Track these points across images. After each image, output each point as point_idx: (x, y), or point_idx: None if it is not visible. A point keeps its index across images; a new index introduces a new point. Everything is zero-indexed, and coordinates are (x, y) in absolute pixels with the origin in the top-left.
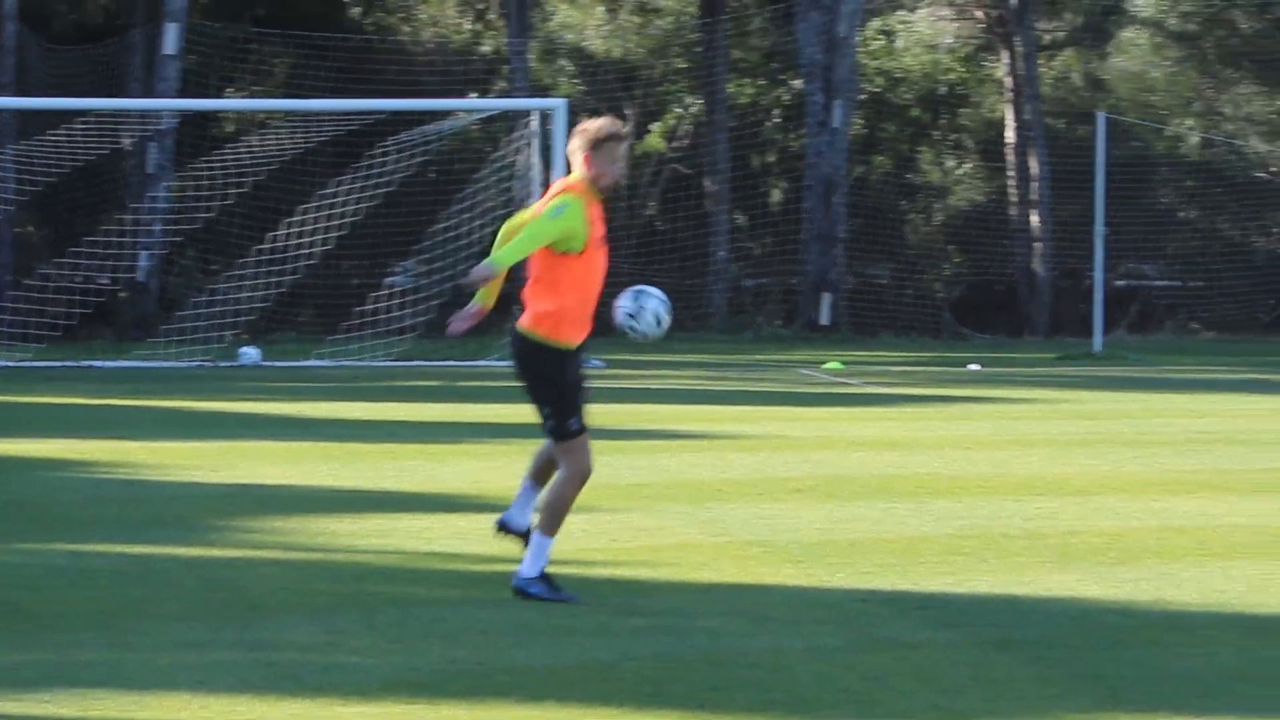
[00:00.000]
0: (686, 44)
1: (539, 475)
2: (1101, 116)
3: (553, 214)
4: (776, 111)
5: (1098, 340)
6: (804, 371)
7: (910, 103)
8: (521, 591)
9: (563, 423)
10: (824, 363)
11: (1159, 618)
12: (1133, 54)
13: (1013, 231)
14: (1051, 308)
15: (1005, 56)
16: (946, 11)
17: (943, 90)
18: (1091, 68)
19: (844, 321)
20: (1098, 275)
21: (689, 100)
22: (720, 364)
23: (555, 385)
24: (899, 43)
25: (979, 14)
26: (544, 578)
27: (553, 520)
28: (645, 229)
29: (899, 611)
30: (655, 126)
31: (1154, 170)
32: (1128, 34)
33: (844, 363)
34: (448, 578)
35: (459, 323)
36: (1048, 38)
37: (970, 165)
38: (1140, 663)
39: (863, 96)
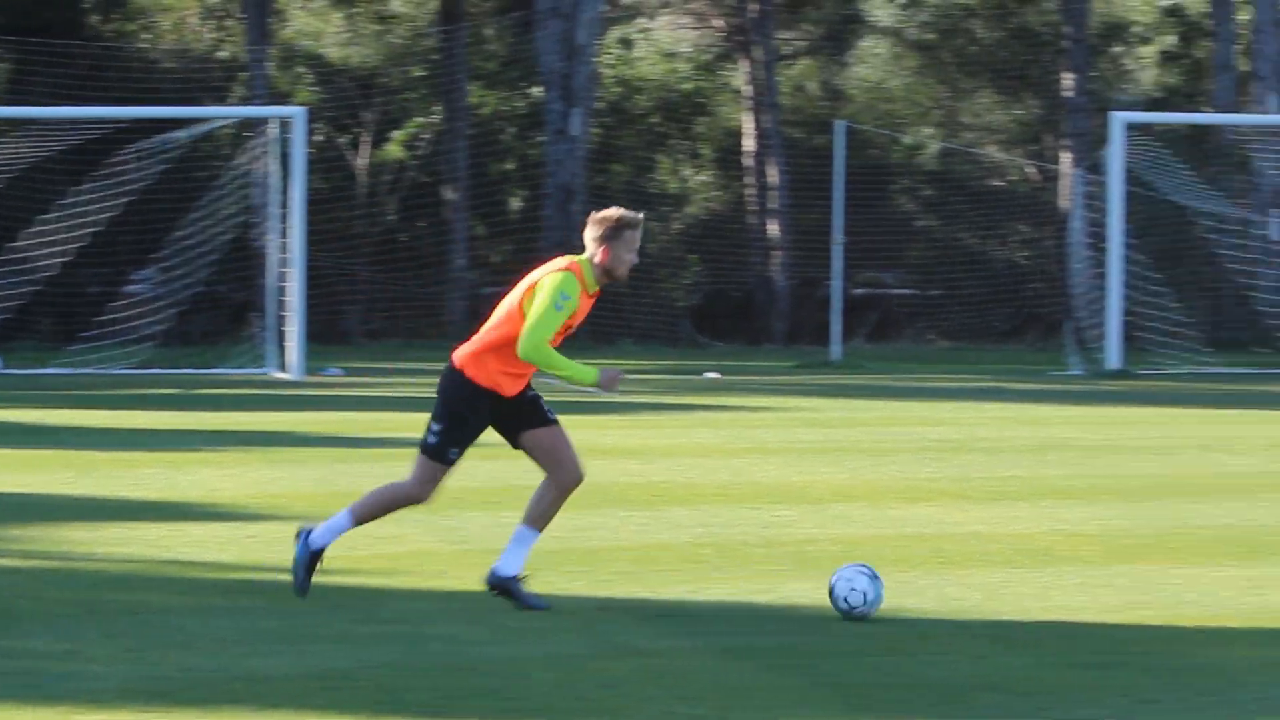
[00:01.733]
0: (425, 52)
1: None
2: (840, 125)
3: (558, 306)
4: (516, 120)
5: (836, 349)
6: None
7: (648, 111)
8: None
9: (443, 447)
10: None
11: (897, 625)
12: (872, 63)
13: (751, 240)
14: (790, 316)
15: (744, 65)
16: (686, 20)
17: (681, 99)
18: (830, 77)
19: (582, 329)
20: (836, 284)
21: (429, 108)
22: None
23: (462, 416)
24: (638, 51)
25: (718, 23)
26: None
27: (364, 512)
28: (384, 238)
29: (637, 619)
30: (395, 135)
31: (893, 179)
32: (867, 43)
33: None
34: (185, 586)
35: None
36: (787, 47)
37: (709, 174)
38: (878, 670)
39: (601, 105)
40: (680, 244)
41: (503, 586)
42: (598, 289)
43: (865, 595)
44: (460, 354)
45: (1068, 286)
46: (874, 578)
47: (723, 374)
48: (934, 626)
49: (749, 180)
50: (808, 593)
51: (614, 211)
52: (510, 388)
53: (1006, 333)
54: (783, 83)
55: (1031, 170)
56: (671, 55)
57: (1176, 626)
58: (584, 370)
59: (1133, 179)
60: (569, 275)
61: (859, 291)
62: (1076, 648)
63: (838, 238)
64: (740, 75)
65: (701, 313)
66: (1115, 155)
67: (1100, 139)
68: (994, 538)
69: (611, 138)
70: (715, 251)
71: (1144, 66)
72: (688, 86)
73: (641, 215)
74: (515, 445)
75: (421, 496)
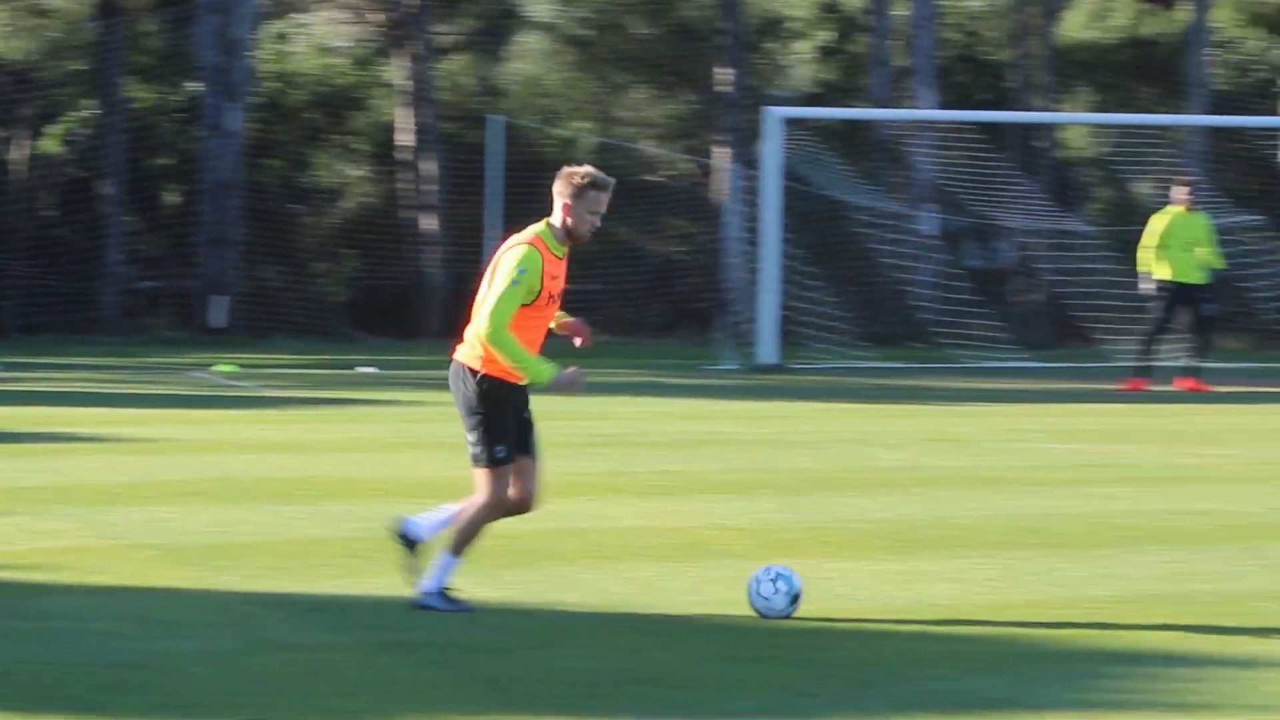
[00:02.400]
0: (83, 46)
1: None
2: (496, 120)
3: (516, 280)
4: (173, 115)
5: None
6: (196, 374)
7: (305, 106)
8: (422, 606)
9: (489, 452)
10: (217, 365)
11: (551, 619)
12: (528, 58)
13: (406, 235)
14: (445, 310)
15: (401, 60)
16: (343, 15)
17: (337, 93)
18: (487, 72)
19: (238, 324)
20: None
21: (85, 103)
22: (113, 367)
23: (488, 415)
24: (295, 46)
25: (375, 17)
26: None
27: (461, 542)
28: (40, 233)
29: (291, 614)
30: (52, 129)
31: (549, 174)
32: (523, 38)
33: (238, 365)
34: None
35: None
36: (444, 41)
37: (365, 168)
38: (531, 664)
39: (258, 100)
40: (336, 238)
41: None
42: (565, 252)
43: (777, 585)
44: (461, 351)
45: (723, 281)
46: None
47: (378, 368)
48: (588, 620)
49: (405, 175)
50: (463, 587)
51: (584, 169)
52: (510, 370)
53: (663, 327)
54: (439, 77)
55: (688, 165)
56: (328, 50)
57: (831, 620)
58: (540, 368)
59: (788, 174)
60: (527, 249)
61: None
62: (731, 642)
63: (493, 233)
64: (396, 70)
65: (357, 307)
66: (771, 150)
67: (756, 134)
68: (650, 531)
69: (269, 132)
70: (371, 246)
71: (800, 62)
72: (344, 81)
73: (612, 180)
74: None
75: (498, 504)
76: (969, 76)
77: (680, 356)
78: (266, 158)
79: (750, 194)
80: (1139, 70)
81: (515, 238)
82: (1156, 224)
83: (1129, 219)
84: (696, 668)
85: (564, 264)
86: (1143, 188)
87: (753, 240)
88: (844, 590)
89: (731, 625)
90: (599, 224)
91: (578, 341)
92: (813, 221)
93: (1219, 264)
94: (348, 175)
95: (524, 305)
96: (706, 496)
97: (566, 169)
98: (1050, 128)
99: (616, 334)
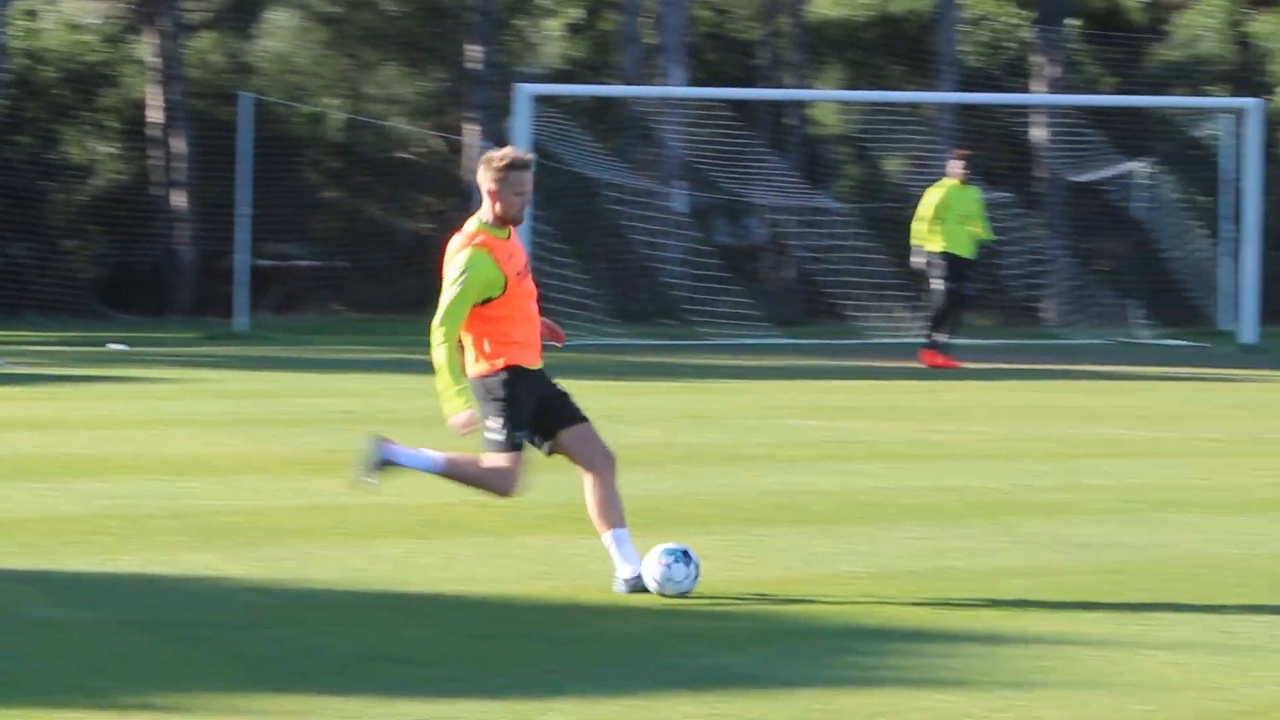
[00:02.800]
0: None
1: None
2: (246, 97)
3: (460, 283)
4: None
5: (242, 320)
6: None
7: (54, 83)
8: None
9: (508, 437)
10: None
11: (300, 596)
12: (278, 35)
13: (157, 212)
14: (196, 288)
15: (151, 37)
16: None
17: (87, 70)
18: (236, 49)
19: None
20: (241, 256)
21: None
22: None
23: (504, 400)
24: (44, 23)
25: None
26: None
27: (454, 478)
28: None
29: (40, 591)
30: None
31: (299, 151)
32: (273, 15)
33: None
34: None
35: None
36: (193, 18)
37: (114, 145)
38: (280, 641)
39: (8, 77)
40: (86, 215)
41: (636, 585)
42: (510, 232)
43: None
44: (470, 369)
45: None
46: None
47: (128, 345)
48: (337, 598)
49: (155, 152)
50: (212, 564)
51: (502, 153)
52: (527, 357)
53: (414, 304)
54: (189, 54)
55: (438, 142)
56: (78, 27)
57: (579, 597)
58: (451, 401)
59: (538, 151)
60: (469, 253)
61: (265, 263)
62: (480, 619)
63: (243, 209)
64: (146, 47)
65: (107, 284)
66: (521, 127)
67: (506, 111)
68: (399, 508)
69: (18, 109)
70: (121, 223)
71: (550, 39)
72: (94, 58)
73: (531, 156)
74: (551, 448)
75: (504, 491)
76: (719, 54)
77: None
78: (16, 135)
79: None
80: (889, 47)
81: (457, 238)
82: (931, 197)
83: (879, 196)
84: (446, 645)
85: (514, 240)
86: (892, 164)
87: None
88: (594, 567)
89: (482, 602)
90: (528, 202)
91: (556, 344)
92: (563, 199)
93: (990, 237)
94: (98, 152)
95: (495, 299)
96: None
97: (485, 156)
98: (800, 105)
99: (367, 311)
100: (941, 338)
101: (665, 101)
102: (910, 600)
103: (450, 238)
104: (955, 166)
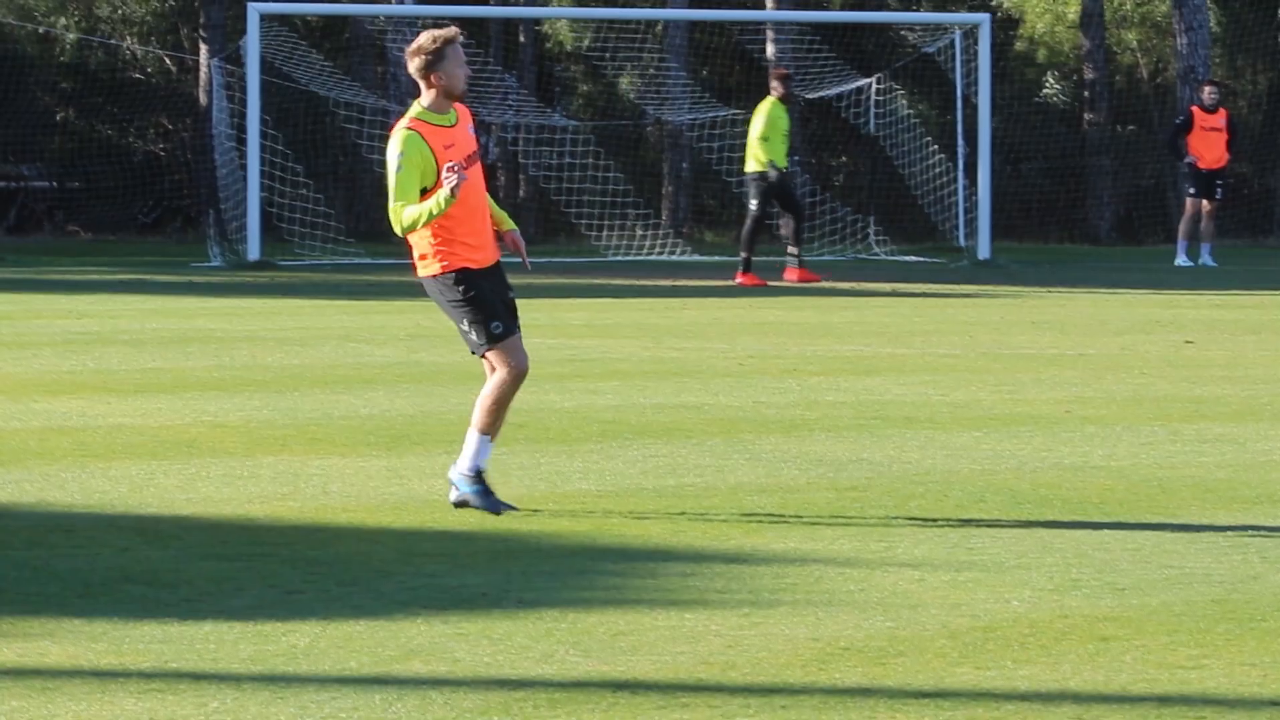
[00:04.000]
0: None
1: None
2: None
3: (399, 167)
4: None
5: None
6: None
7: None
8: (458, 489)
9: (484, 330)
10: None
11: (41, 519)
12: None
13: None
14: None
15: None
16: None
17: None
18: None
19: None
20: None
21: None
22: None
23: (467, 301)
24: None
25: None
26: (479, 476)
27: (487, 419)
28: None
29: None
30: None
31: (30, 72)
32: None
33: None
34: None
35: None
36: None
37: None
38: (23, 564)
39: None
40: None
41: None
42: (456, 119)
43: None
44: (419, 268)
45: (209, 178)
46: None
47: None
48: (77, 520)
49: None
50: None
51: (428, 38)
52: (475, 257)
53: (148, 225)
54: None
55: (168, 62)
56: None
57: (320, 518)
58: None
59: (271, 70)
60: (402, 134)
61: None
62: (221, 539)
63: None
64: None
65: None
66: (252, 46)
67: (237, 30)
68: (138, 430)
69: None
70: None
71: None
72: None
73: (455, 29)
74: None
75: (521, 371)
76: None
77: (167, 255)
78: None
79: (232, 90)
80: None
81: (396, 126)
82: (760, 114)
83: (612, 114)
84: (189, 566)
85: (461, 129)
86: (625, 81)
87: (238, 138)
88: (334, 488)
89: (223, 523)
90: (469, 72)
91: (523, 262)
92: (295, 118)
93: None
94: None
95: (430, 188)
96: (193, 394)
97: (411, 49)
98: (532, 22)
99: (101, 233)
100: (765, 255)
101: (397, 19)
102: (650, 518)
103: (177, 156)
104: (776, 84)
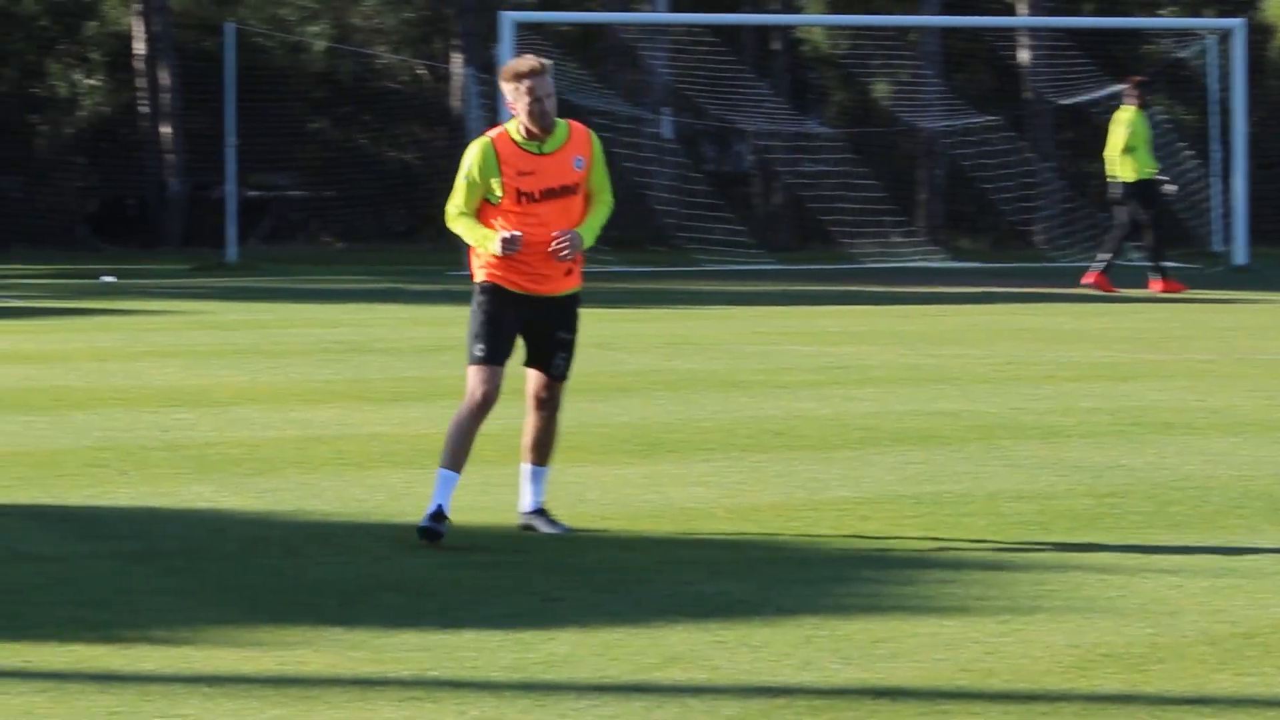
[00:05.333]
0: None
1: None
2: (230, 28)
3: (463, 174)
4: None
5: (231, 251)
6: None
7: (36, 14)
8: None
9: (470, 347)
10: None
11: (298, 527)
12: None
13: (144, 144)
14: (185, 219)
15: None
16: None
17: (69, 1)
18: None
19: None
20: (230, 186)
21: None
22: None
23: (475, 311)
24: None
25: None
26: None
27: (445, 447)
28: None
29: (39, 525)
30: None
31: (284, 82)
32: None
33: None
34: None
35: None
36: None
37: (99, 78)
38: (280, 573)
39: None
40: (73, 148)
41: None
42: (546, 148)
43: None
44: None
45: None
46: None
47: (119, 277)
48: (334, 529)
49: (140, 84)
50: (208, 496)
51: (507, 65)
52: (522, 281)
53: (402, 234)
54: None
55: (422, 71)
56: None
57: (577, 525)
58: (485, 239)
59: None
60: (476, 144)
61: (253, 194)
62: (479, 547)
63: (230, 140)
64: None
65: (97, 217)
66: (506, 55)
67: (491, 39)
68: (395, 438)
69: (0, 42)
70: (109, 155)
71: None
72: None
73: (533, 64)
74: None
75: (475, 401)
76: None
77: (421, 263)
78: None
79: (487, 99)
80: None
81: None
82: (1120, 125)
83: (866, 120)
84: (446, 574)
85: (555, 160)
86: (879, 89)
87: None
88: (591, 495)
89: (479, 531)
90: (547, 108)
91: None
92: None
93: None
94: (82, 85)
95: (494, 206)
96: (448, 402)
97: (503, 68)
98: (786, 29)
99: (355, 242)
100: (1123, 263)
101: (650, 27)
102: (908, 525)
103: (431, 165)
104: (1131, 93)
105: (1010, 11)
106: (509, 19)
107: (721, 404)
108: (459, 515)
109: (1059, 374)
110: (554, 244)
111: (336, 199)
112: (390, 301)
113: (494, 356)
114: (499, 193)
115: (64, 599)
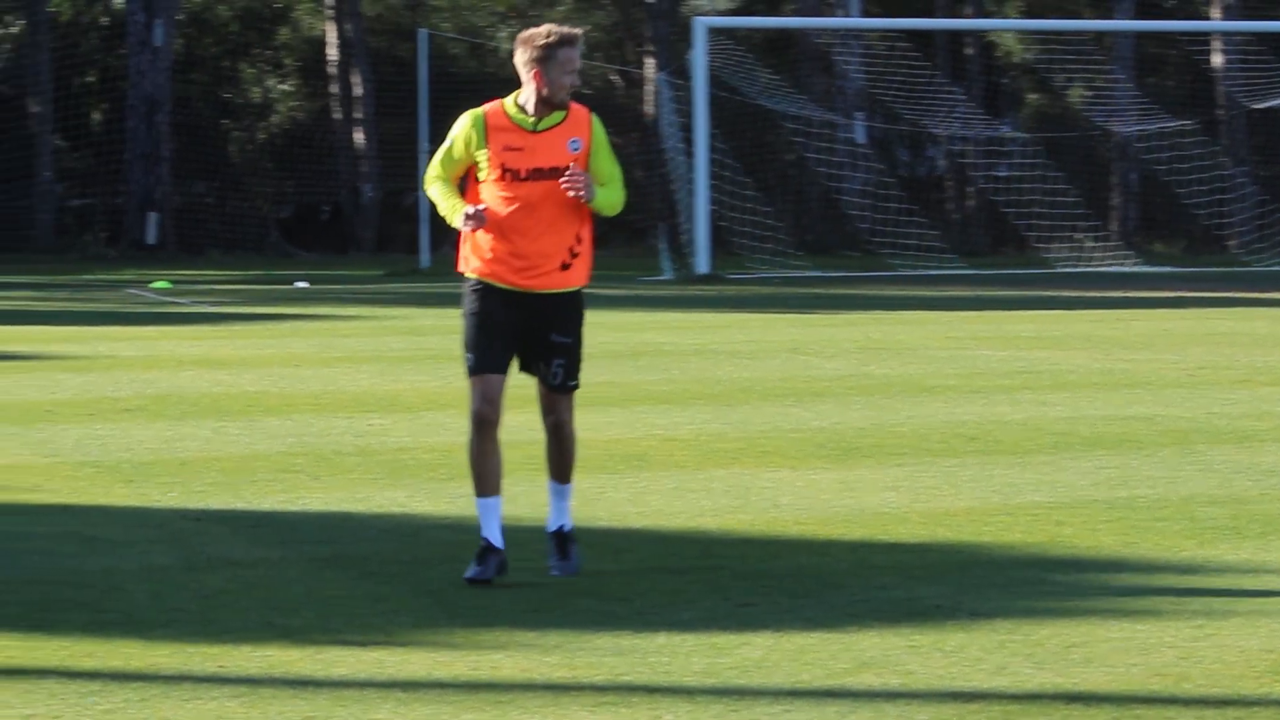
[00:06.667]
0: None
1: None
2: (423, 34)
3: (446, 141)
4: (98, 31)
5: (424, 256)
6: (132, 291)
7: (228, 21)
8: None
9: (464, 355)
10: (152, 282)
11: None
12: None
13: (337, 149)
14: (378, 225)
15: None
16: None
17: (262, 8)
18: None
19: (171, 240)
20: (422, 192)
21: (10, 20)
22: (47, 284)
23: (466, 317)
24: None
25: None
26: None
27: (478, 482)
28: None
29: (231, 530)
30: None
31: (477, 86)
32: None
33: (172, 281)
34: None
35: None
36: None
37: (292, 83)
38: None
39: (181, 16)
40: (266, 154)
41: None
42: (544, 124)
43: None
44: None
45: (663, 192)
46: None
47: (312, 283)
48: (529, 533)
49: (333, 90)
50: (401, 501)
51: (546, 29)
52: (505, 274)
53: (595, 239)
54: None
55: (615, 77)
56: None
57: (771, 530)
58: (454, 210)
59: (718, 83)
60: (468, 114)
61: None
62: (672, 552)
63: (424, 146)
64: None
65: (290, 222)
66: (699, 60)
67: (682, 44)
68: (589, 443)
69: (194, 48)
70: (301, 161)
71: None
72: None
73: (579, 30)
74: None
75: (474, 417)
76: None
77: (614, 268)
78: (193, 72)
79: (680, 104)
80: None
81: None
82: None
83: (1060, 125)
84: (640, 579)
85: (550, 138)
86: (1073, 93)
87: (686, 151)
88: (785, 500)
89: (673, 536)
90: (575, 82)
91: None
92: (743, 131)
93: None
94: (276, 90)
95: (480, 181)
96: (644, 407)
97: (523, 35)
98: (979, 34)
99: None
100: None
101: (843, 32)
102: (1102, 530)
103: (624, 171)
104: None
105: (1203, 16)
106: (702, 24)
107: (915, 409)
108: (652, 519)
109: (1254, 379)
110: (566, 175)
111: None
112: (585, 307)
113: (485, 364)
114: (485, 167)
115: (257, 604)
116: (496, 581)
